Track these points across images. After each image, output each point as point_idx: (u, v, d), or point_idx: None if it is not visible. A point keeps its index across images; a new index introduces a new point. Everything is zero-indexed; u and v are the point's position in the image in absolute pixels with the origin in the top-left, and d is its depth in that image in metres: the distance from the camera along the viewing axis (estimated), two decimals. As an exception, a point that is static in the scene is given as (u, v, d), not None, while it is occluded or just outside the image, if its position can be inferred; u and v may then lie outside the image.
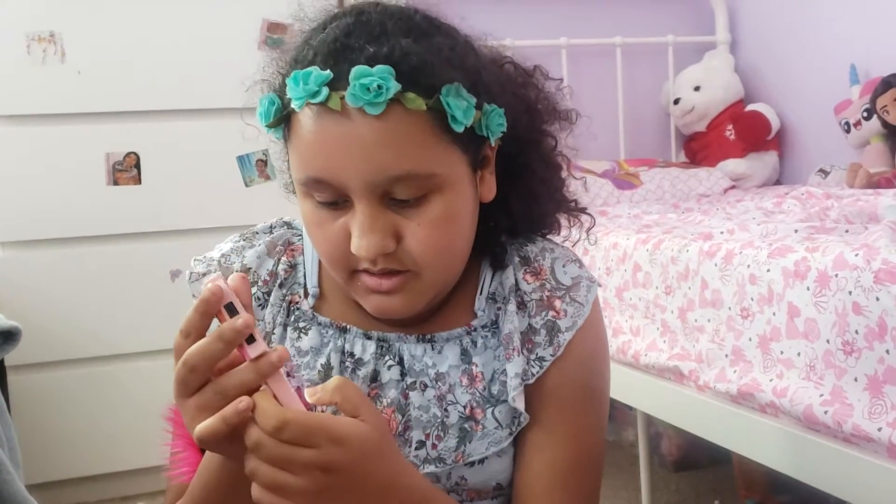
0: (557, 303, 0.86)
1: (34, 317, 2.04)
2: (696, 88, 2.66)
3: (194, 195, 2.17)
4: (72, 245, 2.11)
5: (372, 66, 0.70)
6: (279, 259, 0.89)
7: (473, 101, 0.75)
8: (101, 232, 2.12)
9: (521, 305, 0.87)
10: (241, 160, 2.18)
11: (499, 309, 0.87)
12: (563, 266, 0.89)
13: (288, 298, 0.88)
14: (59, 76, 2.06)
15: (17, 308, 1.99)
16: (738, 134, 2.58)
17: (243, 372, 0.67)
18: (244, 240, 0.90)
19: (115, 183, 2.12)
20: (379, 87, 0.69)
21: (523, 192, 0.88)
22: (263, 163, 2.19)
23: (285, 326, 0.87)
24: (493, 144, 0.81)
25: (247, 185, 2.19)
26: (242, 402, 0.65)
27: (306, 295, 0.88)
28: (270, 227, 0.92)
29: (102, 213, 2.11)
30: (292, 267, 0.89)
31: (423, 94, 0.72)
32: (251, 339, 0.66)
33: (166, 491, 0.85)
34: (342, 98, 0.71)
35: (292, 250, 0.90)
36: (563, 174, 0.92)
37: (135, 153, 2.12)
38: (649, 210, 2.09)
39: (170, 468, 0.78)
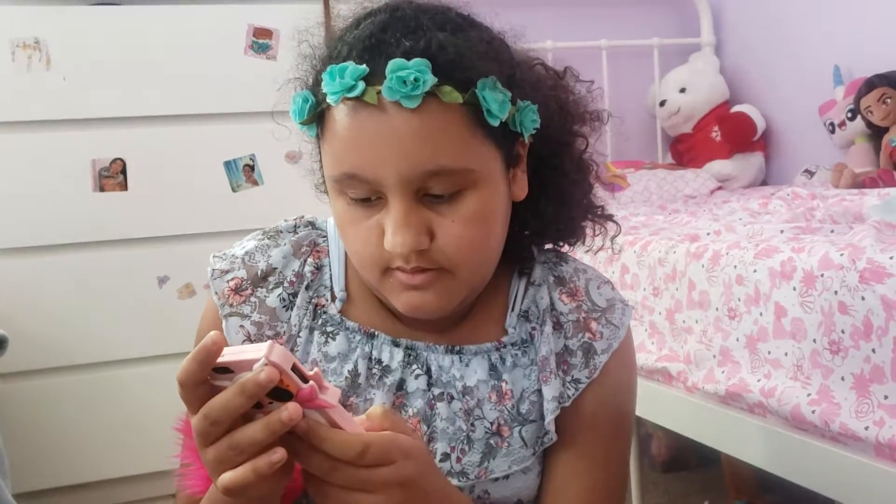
0: (594, 325, 0.87)
1: (21, 324, 2.02)
2: (682, 90, 2.67)
3: (181, 201, 2.15)
4: (58, 252, 2.09)
5: (409, 59, 0.70)
6: (305, 260, 0.87)
7: (509, 95, 0.74)
8: (87, 238, 2.11)
9: (558, 326, 0.87)
10: (228, 165, 2.17)
11: (533, 329, 0.87)
12: (598, 287, 0.89)
13: (314, 301, 0.86)
14: (44, 83, 2.05)
15: (4, 316, 1.98)
16: (723, 135, 2.60)
17: (257, 430, 0.62)
18: (268, 238, 0.88)
19: (102, 189, 2.10)
20: (416, 79, 0.69)
21: (554, 194, 0.87)
22: (251, 168, 2.18)
23: (311, 330, 0.85)
24: (525, 141, 0.80)
25: (234, 191, 2.18)
26: (277, 453, 0.61)
27: (333, 298, 0.86)
28: (294, 226, 0.90)
29: (89, 219, 2.10)
30: (318, 269, 0.87)
31: (459, 88, 0.71)
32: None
33: (176, 500, 0.85)
34: (378, 92, 0.70)
35: (318, 251, 0.88)
36: (592, 178, 0.92)
37: (121, 159, 2.11)
38: (636, 212, 2.09)
39: (180, 479, 0.77)
